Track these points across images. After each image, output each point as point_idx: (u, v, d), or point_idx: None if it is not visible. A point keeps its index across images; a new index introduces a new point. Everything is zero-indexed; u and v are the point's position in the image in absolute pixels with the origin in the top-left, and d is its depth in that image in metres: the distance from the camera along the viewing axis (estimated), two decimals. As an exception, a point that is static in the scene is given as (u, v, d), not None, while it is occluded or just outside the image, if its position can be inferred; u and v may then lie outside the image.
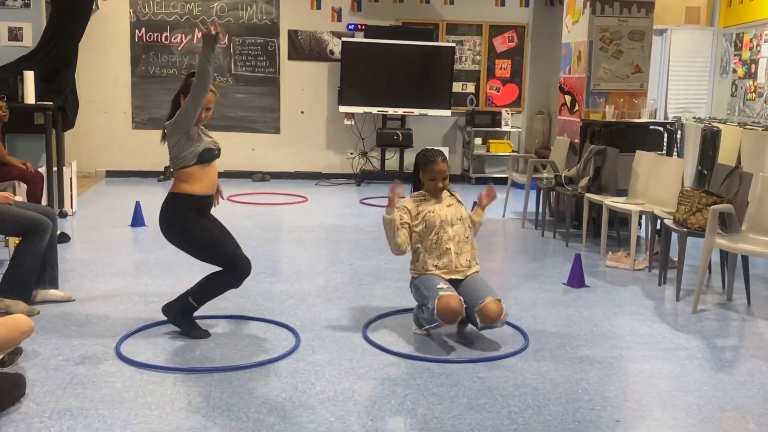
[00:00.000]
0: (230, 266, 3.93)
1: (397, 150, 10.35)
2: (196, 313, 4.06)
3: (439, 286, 3.91)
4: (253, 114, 10.35)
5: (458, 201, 4.24)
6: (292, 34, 10.26)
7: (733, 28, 9.77)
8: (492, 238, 6.89)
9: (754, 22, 9.15)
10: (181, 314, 4.00)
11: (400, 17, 10.33)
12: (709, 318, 4.64)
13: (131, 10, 9.91)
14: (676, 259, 5.18)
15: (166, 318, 4.05)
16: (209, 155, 3.93)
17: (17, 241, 5.14)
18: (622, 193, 6.39)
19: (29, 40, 7.37)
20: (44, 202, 6.37)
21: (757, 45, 9.17)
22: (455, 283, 4.04)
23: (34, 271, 4.37)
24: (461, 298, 3.88)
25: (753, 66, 9.24)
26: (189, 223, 3.89)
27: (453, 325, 3.97)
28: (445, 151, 10.17)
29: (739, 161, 6.76)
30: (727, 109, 9.81)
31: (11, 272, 4.32)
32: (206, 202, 3.99)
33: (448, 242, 4.07)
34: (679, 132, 8.22)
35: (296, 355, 3.80)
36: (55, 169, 7.02)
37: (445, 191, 4.21)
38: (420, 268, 4.11)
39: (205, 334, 4.00)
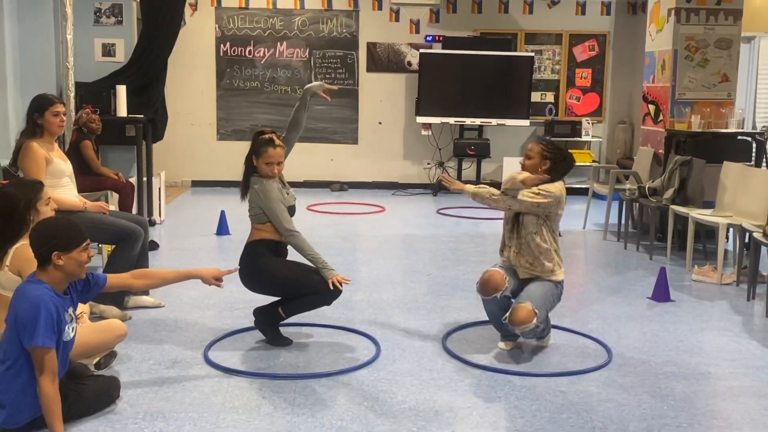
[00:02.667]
0: (316, 292, 3.96)
1: (474, 160, 10.32)
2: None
3: (496, 265, 4.05)
4: (332, 125, 10.51)
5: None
6: (371, 47, 10.38)
7: (827, 34, 9.37)
8: (573, 251, 6.80)
9: None
10: (269, 322, 4.09)
11: (478, 28, 10.33)
12: (803, 336, 4.47)
13: (217, 26, 10.23)
14: (765, 273, 5.01)
15: (254, 319, 4.14)
16: (290, 213, 4.02)
17: (110, 249, 5.38)
18: (709, 205, 6.23)
19: (122, 56, 7.67)
20: (134, 210, 6.61)
21: None
22: (520, 282, 4.04)
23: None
24: (507, 276, 3.94)
25: None
26: (270, 264, 3.98)
27: (489, 297, 3.93)
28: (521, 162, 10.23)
29: (834, 173, 6.50)
30: (820, 117, 9.40)
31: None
32: (282, 247, 4.06)
33: (511, 239, 4.09)
34: (769, 142, 7.94)
35: (377, 365, 3.84)
36: (144, 179, 7.27)
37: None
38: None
39: (287, 342, 4.09)
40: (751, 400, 3.50)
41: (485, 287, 3.93)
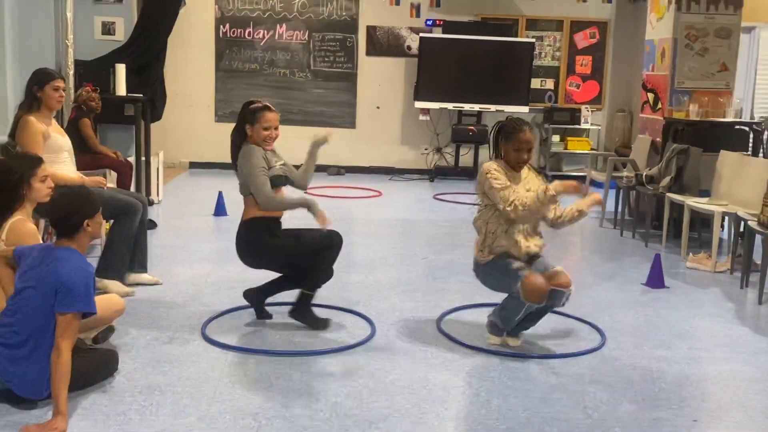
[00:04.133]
0: (323, 248, 3.94)
1: (472, 146, 10.34)
2: (276, 299, 4.18)
3: (515, 266, 3.68)
4: (330, 109, 10.51)
5: (539, 178, 3.91)
6: (371, 30, 10.37)
7: (828, 25, 9.39)
8: (569, 237, 6.83)
9: None
10: (303, 309, 4.05)
11: (479, 13, 10.31)
12: (794, 323, 4.53)
13: (216, 6, 10.20)
14: (759, 262, 5.06)
15: (296, 320, 4.09)
16: (278, 182, 3.98)
17: (108, 226, 5.40)
18: (705, 193, 6.27)
19: (121, 35, 7.65)
20: (132, 189, 6.63)
21: None
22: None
23: (128, 252, 4.60)
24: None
25: None
26: (267, 244, 3.97)
27: (541, 304, 3.64)
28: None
29: (830, 163, 6.53)
30: (819, 109, 9.43)
31: (106, 254, 4.56)
32: (276, 223, 4.05)
33: (521, 227, 3.78)
34: (766, 132, 7.97)
35: (371, 344, 3.89)
36: (143, 159, 7.29)
37: (526, 167, 3.90)
38: (491, 252, 3.78)
39: (324, 324, 4.05)
40: (741, 384, 3.56)
41: (540, 296, 3.59)
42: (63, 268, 2.94)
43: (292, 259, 3.97)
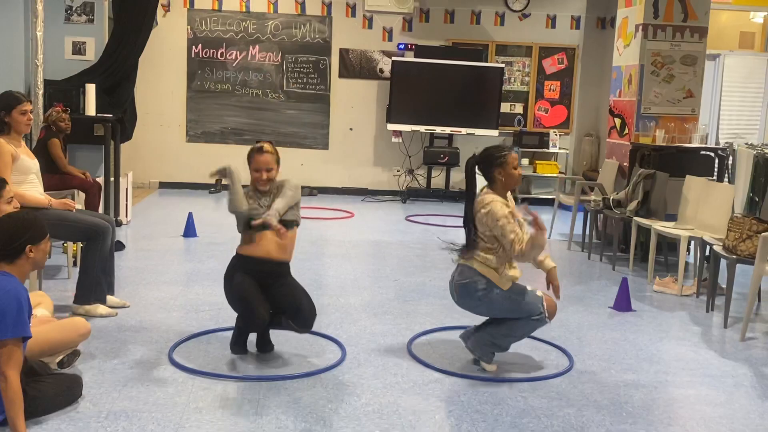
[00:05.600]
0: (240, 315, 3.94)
1: (443, 168, 10.40)
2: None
3: (530, 289, 3.87)
4: (303, 130, 10.51)
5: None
6: (344, 53, 10.42)
7: (788, 54, 9.62)
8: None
9: (811, 48, 9.01)
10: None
11: (450, 38, 10.41)
12: (758, 346, 4.57)
13: (189, 27, 10.18)
14: (724, 286, 5.12)
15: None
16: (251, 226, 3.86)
17: (75, 248, 5.33)
18: (671, 217, 6.34)
19: (92, 55, 7.61)
20: (101, 210, 6.55)
21: (814, 71, 9.01)
22: None
23: (103, 274, 4.53)
24: None
25: (809, 92, 9.08)
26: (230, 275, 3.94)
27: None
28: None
29: (792, 189, 6.64)
30: (780, 135, 9.64)
31: (83, 279, 4.48)
32: (252, 263, 3.88)
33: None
34: (730, 158, 8.10)
35: (342, 368, 3.86)
36: (112, 179, 7.22)
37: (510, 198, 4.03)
38: (505, 278, 3.83)
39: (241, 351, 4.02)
40: (707, 408, 3.58)
41: (556, 312, 3.92)
42: None
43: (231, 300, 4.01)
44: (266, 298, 3.85)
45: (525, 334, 3.94)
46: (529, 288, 3.87)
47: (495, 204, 3.77)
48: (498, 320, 3.89)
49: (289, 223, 3.85)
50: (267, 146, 3.91)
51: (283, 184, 3.94)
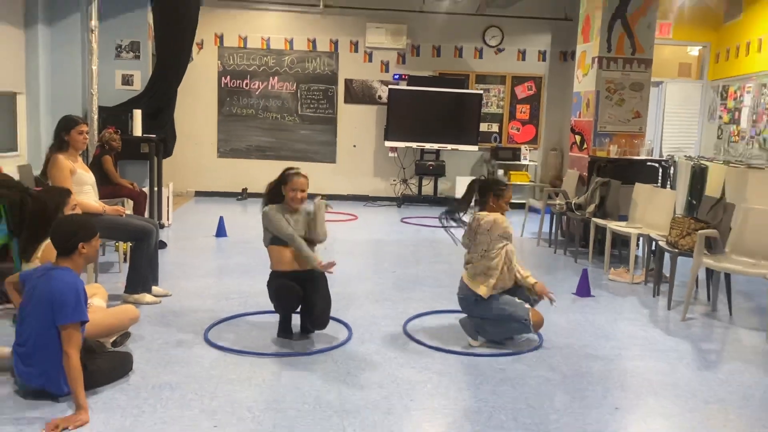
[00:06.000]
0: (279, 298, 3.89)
1: (432, 178, 10.40)
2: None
3: (519, 300, 3.88)
4: (314, 147, 10.51)
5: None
6: (348, 82, 10.42)
7: (719, 81, 9.64)
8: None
9: (738, 76, 9.03)
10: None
11: (437, 69, 10.43)
12: (696, 325, 4.58)
13: (219, 62, 10.19)
14: (668, 275, 5.13)
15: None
16: (279, 241, 3.84)
17: (125, 247, 5.33)
18: (623, 218, 6.35)
19: (138, 85, 7.60)
20: (146, 215, 6.55)
21: (740, 96, 9.03)
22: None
23: (149, 269, 4.53)
24: None
25: (736, 113, 9.09)
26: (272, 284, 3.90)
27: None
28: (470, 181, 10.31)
29: (723, 193, 6.66)
30: (713, 149, 9.65)
31: (132, 273, 4.48)
32: (286, 276, 3.84)
33: (501, 261, 3.88)
34: (672, 168, 8.12)
35: (349, 346, 3.86)
36: (155, 188, 7.22)
37: None
38: (495, 287, 3.87)
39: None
40: (655, 377, 3.59)
41: (541, 325, 3.92)
42: (56, 286, 2.86)
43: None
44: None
45: (510, 333, 3.96)
46: (518, 300, 3.88)
47: (499, 217, 3.87)
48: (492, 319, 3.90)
49: (320, 241, 3.96)
50: (302, 172, 3.90)
51: (312, 207, 3.93)
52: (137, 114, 7.13)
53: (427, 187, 10.50)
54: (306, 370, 3.46)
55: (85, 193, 4.43)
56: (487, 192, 3.97)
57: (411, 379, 3.41)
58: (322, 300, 3.88)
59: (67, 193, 3.60)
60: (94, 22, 6.74)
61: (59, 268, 2.95)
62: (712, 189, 7.33)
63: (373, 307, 4.67)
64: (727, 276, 4.88)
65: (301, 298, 3.82)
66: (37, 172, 5.44)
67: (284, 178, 3.88)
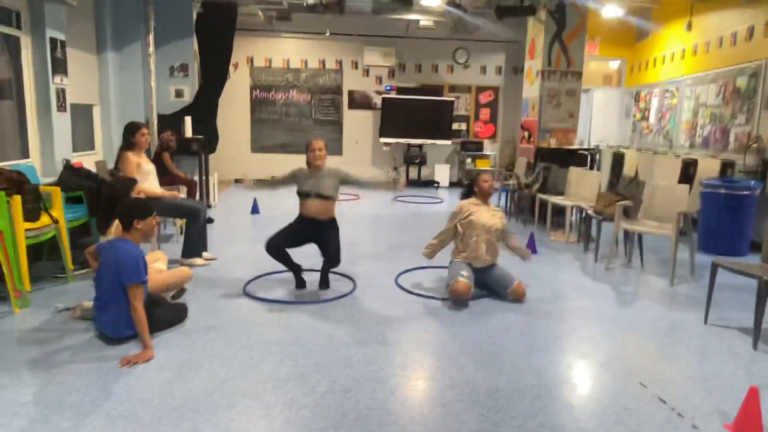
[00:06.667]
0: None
1: (417, 166, 10.31)
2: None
3: (461, 272, 3.65)
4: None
5: (499, 216, 3.89)
6: (351, 93, 10.26)
7: (634, 88, 9.51)
8: (476, 222, 6.84)
9: (648, 84, 8.91)
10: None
11: (419, 81, 10.26)
12: (616, 273, 4.57)
13: (251, 78, 10.00)
14: (595, 236, 5.10)
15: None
16: (300, 195, 3.85)
17: (181, 223, 5.27)
18: (561, 193, 6.31)
19: (188, 97, 7.45)
20: (197, 198, 6.47)
21: (649, 99, 8.92)
22: (480, 270, 3.77)
23: (199, 239, 4.47)
24: (471, 286, 3.58)
25: (646, 112, 8.99)
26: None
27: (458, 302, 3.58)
28: (446, 168, 10.26)
29: (636, 174, 6.62)
30: (629, 140, 9.57)
31: (187, 242, 4.43)
32: (304, 219, 3.83)
33: (479, 241, 3.76)
34: (597, 155, 8.07)
35: (354, 294, 3.83)
36: (204, 177, 7.13)
37: (491, 206, 3.90)
38: (455, 253, 3.83)
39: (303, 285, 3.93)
40: (586, 314, 3.58)
41: (454, 296, 3.55)
42: (120, 254, 2.81)
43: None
44: (298, 243, 3.79)
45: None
46: (455, 270, 3.69)
47: (458, 205, 3.85)
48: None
49: (326, 197, 3.83)
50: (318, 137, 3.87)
51: (333, 170, 3.91)
52: (188, 120, 7.01)
53: (413, 174, 10.41)
54: (321, 314, 3.43)
55: (148, 181, 4.34)
56: (471, 185, 3.99)
57: (403, 318, 3.39)
58: (334, 246, 3.82)
59: (134, 181, 3.53)
60: (151, 49, 6.59)
61: (123, 240, 2.90)
62: (628, 170, 7.28)
63: (373, 265, 4.64)
64: (640, 236, 4.86)
65: (281, 251, 3.76)
66: (110, 166, 5.35)
67: (306, 146, 3.88)
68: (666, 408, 2.42)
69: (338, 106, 10.29)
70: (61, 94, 4.98)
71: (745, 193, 5.18)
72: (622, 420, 2.32)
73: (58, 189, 3.98)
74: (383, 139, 9.95)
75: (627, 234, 4.99)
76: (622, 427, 2.27)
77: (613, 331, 3.28)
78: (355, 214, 7.30)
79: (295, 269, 3.90)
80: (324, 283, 3.91)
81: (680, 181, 6.17)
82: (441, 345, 3.01)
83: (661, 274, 4.57)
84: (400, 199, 8.71)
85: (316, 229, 3.83)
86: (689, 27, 7.39)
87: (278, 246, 3.75)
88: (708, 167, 6.15)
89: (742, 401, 2.30)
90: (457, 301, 3.57)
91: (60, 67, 4.96)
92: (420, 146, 10.18)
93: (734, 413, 2.36)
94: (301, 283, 3.93)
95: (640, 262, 4.87)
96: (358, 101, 10.32)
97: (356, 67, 10.18)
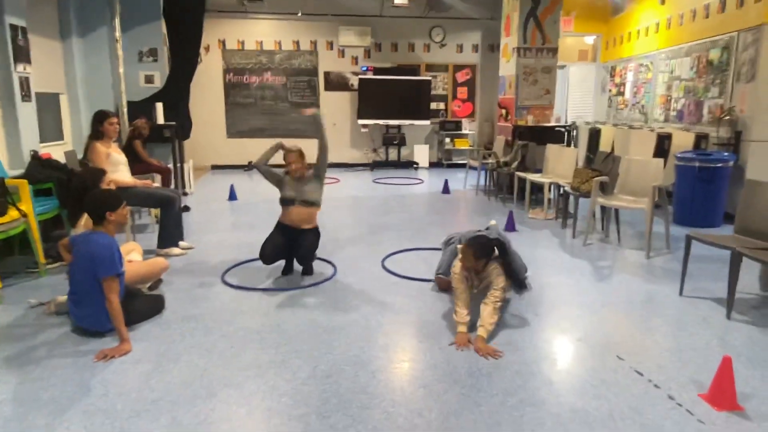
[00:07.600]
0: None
1: (396, 147, 10.25)
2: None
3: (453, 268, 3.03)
4: (302, 126, 10.22)
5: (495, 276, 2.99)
6: (327, 74, 10.09)
7: (609, 63, 9.55)
8: (457, 203, 6.85)
9: (622, 58, 8.94)
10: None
11: (396, 61, 10.14)
12: (594, 249, 4.62)
13: (223, 62, 9.76)
14: (572, 212, 5.15)
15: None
16: (283, 202, 3.79)
17: (156, 212, 5.16)
18: (539, 171, 6.34)
19: (158, 83, 7.25)
20: (171, 186, 6.34)
21: (624, 74, 8.97)
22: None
23: (176, 228, 4.39)
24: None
25: (622, 87, 9.04)
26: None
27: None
28: (425, 148, 10.23)
29: (612, 149, 6.67)
30: (605, 115, 9.64)
31: (162, 232, 4.34)
32: (284, 227, 3.77)
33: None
34: (574, 131, 8.11)
35: (335, 279, 3.81)
36: (178, 165, 6.97)
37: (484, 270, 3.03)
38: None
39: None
40: (564, 289, 3.62)
41: (441, 288, 3.48)
42: (94, 247, 2.74)
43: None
44: (285, 247, 3.74)
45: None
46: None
47: (455, 268, 3.04)
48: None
49: (310, 203, 3.75)
50: (291, 149, 3.83)
51: (312, 170, 3.85)
52: (159, 106, 6.81)
53: (392, 154, 10.35)
54: (301, 300, 3.41)
55: (119, 171, 4.23)
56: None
57: (385, 301, 3.38)
58: (308, 243, 3.78)
59: (102, 172, 3.43)
60: (118, 33, 6.35)
61: (96, 232, 2.82)
62: (604, 145, 7.35)
63: (353, 249, 4.61)
64: (616, 211, 4.92)
65: (278, 257, 3.74)
66: (81, 156, 5.19)
67: (283, 157, 3.79)
68: (643, 380, 2.47)
69: (314, 88, 10.13)
70: (24, 82, 4.79)
71: (719, 165, 5.27)
72: (600, 393, 2.36)
73: (25, 182, 3.85)
74: (361, 121, 9.85)
75: (603, 209, 5.04)
76: (600, 400, 2.31)
77: (591, 306, 3.32)
78: (335, 197, 7.24)
79: (289, 257, 3.87)
80: (307, 271, 3.88)
81: (655, 155, 6.24)
82: (423, 326, 3.01)
83: (637, 248, 4.64)
84: (379, 180, 8.67)
85: (294, 236, 3.77)
86: (663, 0, 7.41)
87: (273, 256, 3.69)
88: (682, 140, 6.23)
89: (715, 371, 2.36)
90: (441, 288, 3.57)
91: (22, 54, 4.75)
92: (398, 127, 10.11)
93: (709, 383, 2.42)
94: (288, 269, 3.89)
95: (617, 237, 4.93)
96: (335, 83, 10.17)
97: (331, 48, 10.01)
